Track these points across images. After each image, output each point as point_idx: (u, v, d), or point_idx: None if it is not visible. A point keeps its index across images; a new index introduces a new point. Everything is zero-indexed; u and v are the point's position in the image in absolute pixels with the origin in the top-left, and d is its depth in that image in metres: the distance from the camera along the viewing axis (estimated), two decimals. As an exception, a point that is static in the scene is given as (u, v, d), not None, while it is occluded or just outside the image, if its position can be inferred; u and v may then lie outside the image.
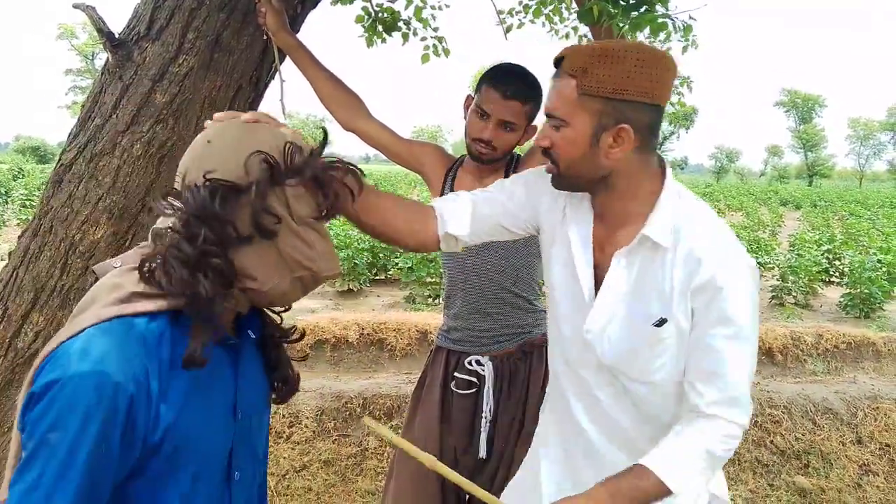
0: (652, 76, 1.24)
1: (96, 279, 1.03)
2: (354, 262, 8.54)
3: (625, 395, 1.43)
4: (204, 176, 0.97)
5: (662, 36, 2.14)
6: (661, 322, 1.33)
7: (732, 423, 1.31)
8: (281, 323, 1.20)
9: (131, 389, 0.90)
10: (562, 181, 1.37)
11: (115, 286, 0.97)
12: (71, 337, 0.92)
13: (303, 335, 1.22)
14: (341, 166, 1.10)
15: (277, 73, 2.11)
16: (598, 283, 1.41)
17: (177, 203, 0.98)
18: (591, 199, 1.42)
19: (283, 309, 1.16)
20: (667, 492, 1.26)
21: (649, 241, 1.33)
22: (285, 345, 1.21)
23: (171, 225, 0.99)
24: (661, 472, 1.26)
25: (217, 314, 0.98)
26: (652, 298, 1.34)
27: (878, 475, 3.79)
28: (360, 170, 1.14)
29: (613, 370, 1.41)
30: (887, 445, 3.90)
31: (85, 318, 0.94)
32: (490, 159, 2.08)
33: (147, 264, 0.97)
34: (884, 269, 9.08)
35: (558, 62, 1.30)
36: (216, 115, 1.11)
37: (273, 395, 1.20)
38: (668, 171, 1.38)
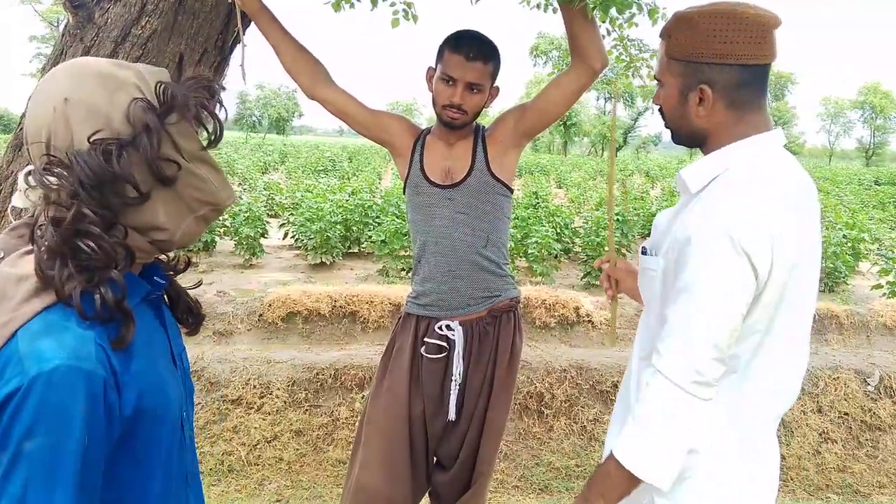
0: (727, 38, 1.29)
1: None
2: (327, 236, 8.49)
3: (645, 325, 1.48)
4: (89, 139, 0.89)
5: (627, 15, 2.14)
6: (644, 251, 1.44)
7: (668, 380, 1.24)
8: (169, 261, 1.14)
9: (102, 373, 0.85)
10: (672, 136, 1.48)
11: (21, 277, 0.89)
12: (6, 342, 0.85)
13: (189, 264, 1.15)
14: (205, 83, 1.00)
15: (239, 37, 2.07)
16: None
17: (52, 176, 0.88)
18: None
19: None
20: (629, 475, 1.25)
21: (681, 184, 1.38)
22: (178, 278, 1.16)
23: (41, 201, 0.90)
24: (618, 454, 1.27)
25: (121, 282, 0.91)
26: (661, 232, 1.43)
27: (836, 442, 3.91)
28: (214, 81, 1.03)
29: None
30: (846, 414, 4.02)
31: (8, 318, 0.86)
32: (462, 123, 2.14)
33: (48, 259, 0.88)
34: (849, 244, 9.27)
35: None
36: (64, 68, 0.97)
37: (184, 330, 1.15)
38: (771, 136, 1.36)
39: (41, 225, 0.89)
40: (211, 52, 2.04)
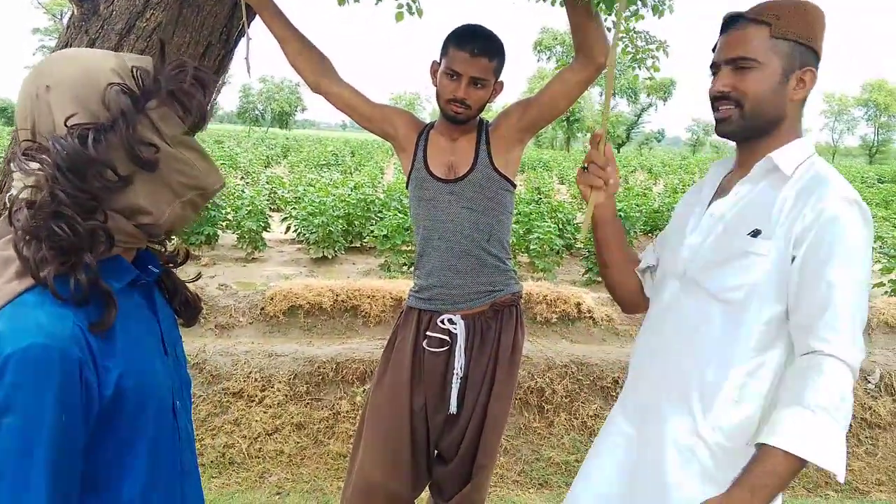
0: (822, 29, 1.43)
1: None
2: (329, 230, 8.50)
3: (689, 319, 1.46)
4: (66, 123, 0.90)
5: (632, 10, 2.14)
6: (756, 233, 1.38)
7: (844, 362, 1.25)
8: (167, 252, 1.15)
9: (77, 353, 0.87)
10: (739, 124, 1.44)
11: (7, 259, 0.92)
12: None
13: (187, 255, 1.17)
14: (187, 69, 1.01)
15: (244, 31, 2.08)
16: None
17: (33, 161, 0.90)
18: (737, 150, 1.54)
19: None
20: (800, 463, 1.22)
21: (772, 166, 1.42)
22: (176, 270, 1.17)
23: (28, 187, 0.91)
24: (784, 445, 1.22)
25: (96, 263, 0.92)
26: (756, 215, 1.41)
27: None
28: (200, 67, 1.04)
29: (695, 282, 1.46)
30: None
31: None
32: (465, 118, 2.14)
33: (23, 242, 0.90)
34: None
35: (736, 17, 1.45)
36: (49, 57, 0.99)
37: (180, 321, 1.17)
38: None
39: (18, 208, 0.90)
40: (215, 45, 2.04)
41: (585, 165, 1.61)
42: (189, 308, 1.16)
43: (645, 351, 1.59)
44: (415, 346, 2.25)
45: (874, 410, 4.01)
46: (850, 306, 1.28)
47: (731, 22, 1.46)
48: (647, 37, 2.30)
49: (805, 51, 1.41)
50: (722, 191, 1.53)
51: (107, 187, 0.92)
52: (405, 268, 7.85)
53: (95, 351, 0.90)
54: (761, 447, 1.26)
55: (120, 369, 0.93)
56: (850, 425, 4.03)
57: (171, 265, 1.15)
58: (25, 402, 0.83)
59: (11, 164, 0.93)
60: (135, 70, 0.96)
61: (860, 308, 1.29)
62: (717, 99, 1.46)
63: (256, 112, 75.35)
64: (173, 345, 1.11)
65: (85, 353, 0.88)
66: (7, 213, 0.97)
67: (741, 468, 1.29)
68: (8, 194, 0.95)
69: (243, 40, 2.11)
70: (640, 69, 2.35)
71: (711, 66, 1.49)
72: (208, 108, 1.01)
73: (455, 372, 2.19)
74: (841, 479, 1.22)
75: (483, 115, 2.26)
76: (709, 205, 1.53)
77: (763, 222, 1.38)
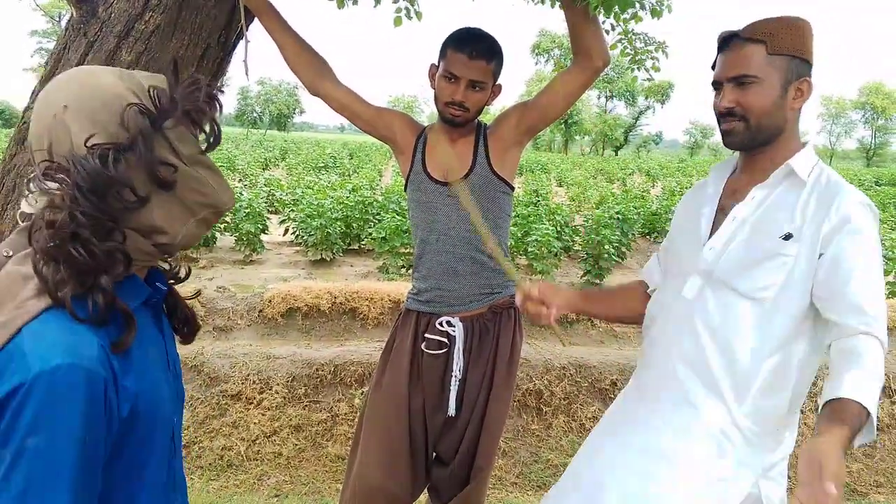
0: (812, 39, 1.55)
1: None
2: (327, 232, 8.49)
3: (716, 315, 1.55)
4: (85, 143, 0.91)
5: (630, 13, 2.15)
6: (788, 236, 1.49)
7: (878, 339, 1.39)
8: (171, 269, 1.16)
9: (102, 373, 0.87)
10: (745, 136, 1.56)
11: (27, 276, 0.91)
12: (8, 340, 0.87)
13: (189, 272, 1.17)
14: (201, 86, 1.01)
15: (243, 33, 2.08)
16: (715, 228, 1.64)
17: (53, 181, 0.90)
18: (741, 156, 1.65)
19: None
20: (866, 415, 1.31)
21: (790, 173, 1.54)
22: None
23: (47, 206, 0.91)
24: (858, 397, 1.31)
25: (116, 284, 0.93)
26: (782, 220, 1.52)
27: (834, 442, 3.92)
28: (210, 84, 1.04)
29: (724, 282, 1.55)
30: (844, 413, 4.03)
31: (11, 316, 0.88)
32: (463, 121, 2.14)
33: (42, 262, 0.90)
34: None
35: (731, 37, 1.56)
36: (64, 75, 1.00)
37: (178, 339, 1.17)
38: None
39: (38, 228, 0.91)
40: (214, 48, 2.04)
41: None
42: (188, 325, 1.17)
43: (664, 343, 1.65)
44: (413, 349, 2.25)
45: (872, 412, 4.02)
46: (879, 295, 1.43)
47: (728, 41, 1.57)
48: (646, 38, 2.29)
49: (800, 63, 1.53)
50: (733, 193, 1.63)
51: (125, 207, 0.93)
52: (403, 270, 7.85)
53: (117, 371, 0.91)
54: (838, 401, 1.34)
55: (136, 389, 0.94)
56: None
57: (174, 282, 1.16)
58: (53, 424, 0.83)
59: (31, 185, 0.93)
60: (152, 90, 0.96)
61: (882, 294, 1.45)
62: (722, 114, 1.56)
63: (254, 114, 75.37)
64: (174, 361, 1.12)
65: (109, 373, 0.89)
66: (18, 228, 0.98)
67: (775, 445, 1.52)
68: (19, 212, 0.96)
69: (242, 43, 2.12)
70: (639, 70, 2.35)
71: (714, 84, 1.60)
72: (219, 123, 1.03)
73: (453, 374, 2.19)
74: (874, 435, 1.36)
75: (481, 117, 2.26)
76: (718, 206, 1.64)
77: (791, 226, 1.50)
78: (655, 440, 1.59)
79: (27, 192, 0.95)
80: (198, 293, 1.25)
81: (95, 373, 0.86)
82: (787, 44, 1.52)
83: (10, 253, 0.96)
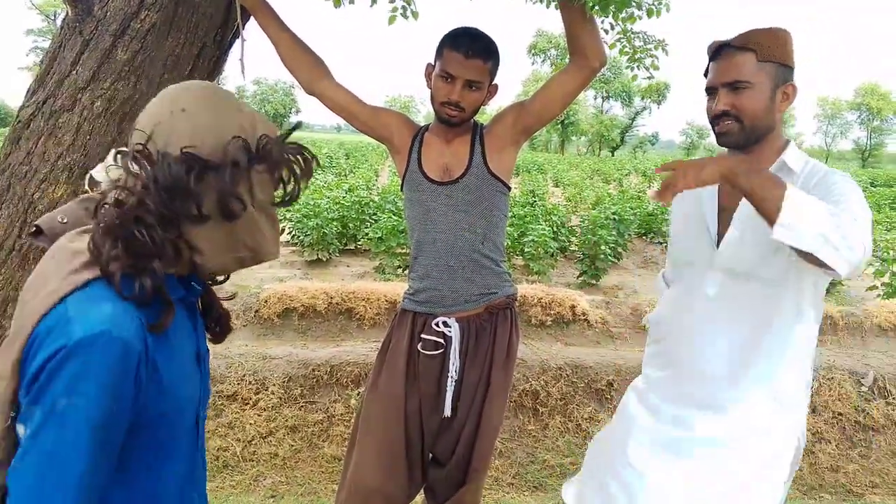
0: (793, 47, 1.70)
1: (37, 232, 1.04)
2: (324, 232, 8.49)
3: (744, 307, 1.69)
4: (182, 149, 0.97)
5: (628, 12, 2.14)
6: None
7: (839, 251, 1.37)
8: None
9: (138, 347, 0.92)
10: (740, 136, 1.68)
11: (76, 252, 0.97)
12: (54, 305, 0.91)
13: (227, 276, 1.21)
14: (304, 155, 1.09)
15: (239, 32, 2.07)
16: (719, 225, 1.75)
17: (136, 164, 0.97)
18: (734, 154, 1.74)
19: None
20: (776, 210, 1.37)
21: (783, 166, 1.68)
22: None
23: (120, 184, 0.98)
24: (787, 198, 1.37)
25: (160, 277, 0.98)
26: None
27: (829, 443, 3.92)
28: (315, 158, 1.13)
29: (748, 274, 1.68)
30: (840, 414, 4.03)
31: (59, 285, 0.93)
32: (460, 120, 2.14)
33: (102, 235, 0.96)
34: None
35: (722, 46, 1.69)
36: (197, 83, 1.09)
37: (209, 337, 1.22)
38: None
39: (106, 203, 0.97)
40: (210, 47, 2.03)
41: None
42: (221, 324, 1.22)
43: (688, 341, 1.77)
44: (409, 349, 2.24)
45: (868, 413, 4.02)
46: (850, 218, 1.43)
47: (720, 51, 1.71)
48: (645, 37, 2.27)
49: (785, 69, 1.68)
50: (729, 190, 1.69)
51: (185, 216, 0.98)
52: (400, 270, 7.85)
53: (151, 350, 0.95)
54: (781, 181, 1.43)
55: (167, 374, 0.98)
56: (844, 427, 4.05)
57: (212, 283, 1.20)
58: (87, 387, 0.87)
59: (118, 157, 0.99)
60: (262, 138, 1.03)
61: (860, 223, 1.44)
62: (718, 116, 1.69)
63: (251, 114, 75.06)
64: (204, 359, 1.16)
65: (143, 349, 0.93)
66: (80, 198, 1.05)
67: (805, 399, 1.73)
68: (89, 174, 1.02)
69: (238, 42, 2.11)
70: (638, 69, 2.33)
71: (708, 90, 1.72)
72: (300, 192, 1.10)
73: (450, 375, 2.19)
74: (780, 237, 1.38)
75: (477, 117, 2.25)
76: (719, 205, 1.76)
77: None
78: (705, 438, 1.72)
79: (109, 162, 1.01)
80: (233, 295, 1.31)
81: (132, 345, 0.91)
82: (774, 52, 1.66)
83: (65, 220, 1.03)
